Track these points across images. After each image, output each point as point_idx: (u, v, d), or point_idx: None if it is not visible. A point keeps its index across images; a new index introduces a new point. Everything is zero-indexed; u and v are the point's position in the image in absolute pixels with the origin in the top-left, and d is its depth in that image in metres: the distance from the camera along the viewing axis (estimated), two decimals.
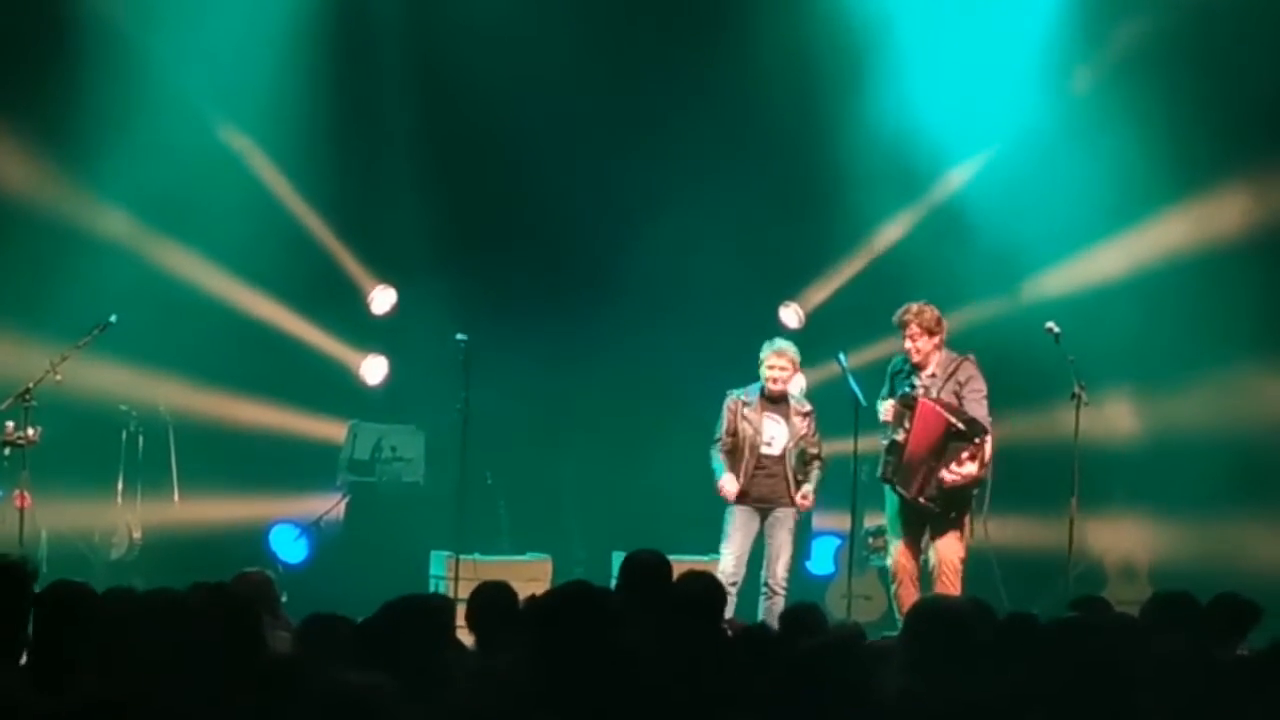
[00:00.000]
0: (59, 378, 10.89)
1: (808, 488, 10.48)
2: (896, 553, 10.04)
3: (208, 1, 12.50)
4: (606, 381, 12.96)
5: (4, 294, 12.12)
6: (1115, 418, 12.68)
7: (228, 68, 12.66)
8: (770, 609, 10.15)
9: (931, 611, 5.20)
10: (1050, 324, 10.59)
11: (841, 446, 10.75)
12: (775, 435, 10.48)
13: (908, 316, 10.03)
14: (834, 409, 11.08)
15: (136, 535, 12.35)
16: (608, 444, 12.95)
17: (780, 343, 10.59)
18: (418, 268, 13.45)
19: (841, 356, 10.72)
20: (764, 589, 10.33)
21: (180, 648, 3.77)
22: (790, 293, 13.91)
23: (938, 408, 9.86)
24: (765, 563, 10.42)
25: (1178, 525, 12.48)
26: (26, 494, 10.94)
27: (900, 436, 9.87)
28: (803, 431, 10.50)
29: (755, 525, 10.43)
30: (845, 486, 10.82)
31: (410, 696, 3.83)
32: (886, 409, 10.02)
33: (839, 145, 13.05)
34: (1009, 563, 11.95)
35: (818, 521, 13.19)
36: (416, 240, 13.35)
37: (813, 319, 13.88)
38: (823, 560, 13.16)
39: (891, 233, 13.63)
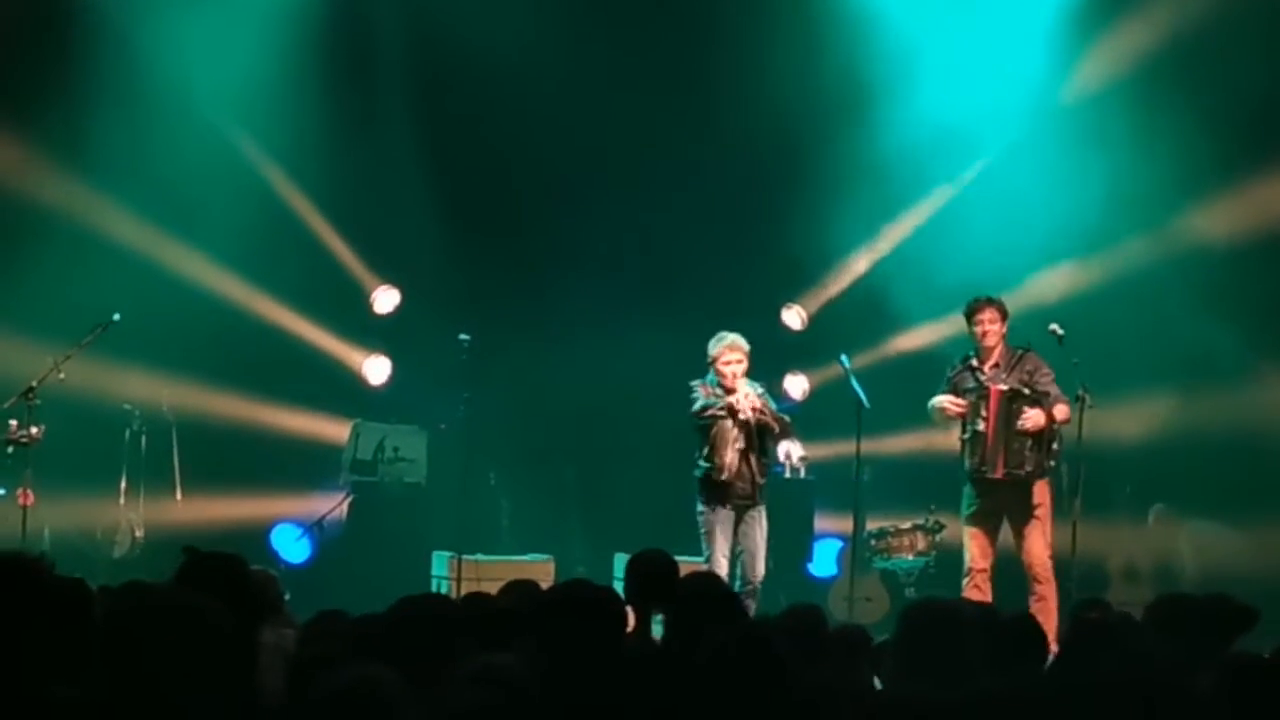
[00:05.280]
0: (62, 376, 10.92)
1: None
2: (970, 545, 10.07)
3: (214, 4, 12.50)
4: (609, 383, 12.96)
5: (7, 293, 12.12)
6: (1119, 421, 12.66)
7: (232, 68, 12.69)
8: (748, 607, 9.99)
9: (925, 613, 5.19)
10: (1054, 325, 10.57)
11: (844, 449, 10.72)
12: (743, 433, 10.07)
13: (981, 303, 10.10)
14: (837, 411, 11.07)
15: (139, 534, 12.36)
16: (610, 445, 12.92)
17: (731, 335, 10.13)
18: (421, 268, 13.47)
19: (844, 359, 10.71)
20: (745, 586, 9.96)
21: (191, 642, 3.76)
22: (793, 295, 13.93)
23: (1003, 386, 9.95)
24: (743, 561, 10.09)
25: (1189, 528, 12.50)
26: (30, 492, 10.97)
27: (981, 426, 9.95)
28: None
29: (732, 525, 10.07)
30: (848, 489, 10.80)
31: (412, 692, 3.83)
32: (949, 402, 10.02)
33: (843, 149, 13.04)
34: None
35: (820, 524, 13.19)
36: (420, 240, 13.37)
37: (815, 321, 13.89)
38: (825, 562, 13.14)
39: (895, 234, 13.64)
